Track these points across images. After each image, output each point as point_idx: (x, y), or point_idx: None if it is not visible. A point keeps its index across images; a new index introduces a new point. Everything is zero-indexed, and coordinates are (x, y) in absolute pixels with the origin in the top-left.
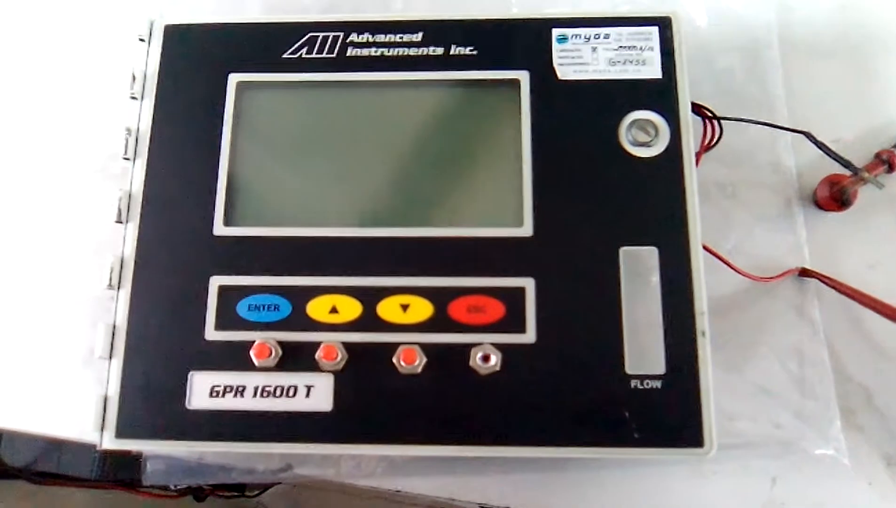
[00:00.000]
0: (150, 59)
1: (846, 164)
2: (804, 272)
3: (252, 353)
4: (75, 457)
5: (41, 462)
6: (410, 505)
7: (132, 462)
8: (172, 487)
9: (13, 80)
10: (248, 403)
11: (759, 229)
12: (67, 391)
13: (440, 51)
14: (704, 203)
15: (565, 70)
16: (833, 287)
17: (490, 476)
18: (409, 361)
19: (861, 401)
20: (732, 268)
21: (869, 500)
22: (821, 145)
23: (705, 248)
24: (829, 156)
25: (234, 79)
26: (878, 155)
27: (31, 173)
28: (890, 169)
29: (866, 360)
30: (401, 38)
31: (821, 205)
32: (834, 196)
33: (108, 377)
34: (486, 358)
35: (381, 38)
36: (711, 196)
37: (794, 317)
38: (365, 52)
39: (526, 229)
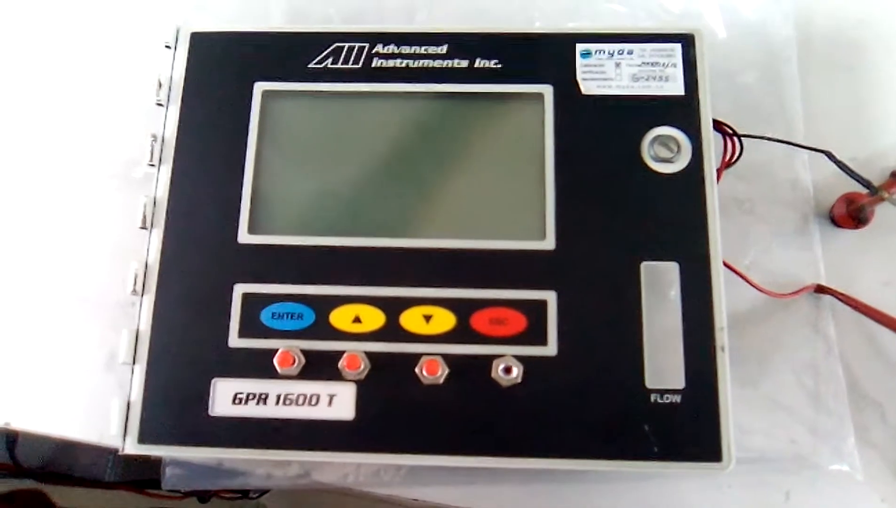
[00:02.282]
0: (175, 66)
1: (866, 184)
2: (820, 289)
3: (275, 361)
4: (90, 459)
5: (55, 462)
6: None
7: (145, 463)
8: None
9: (38, 86)
10: (270, 411)
11: (776, 244)
12: (89, 395)
13: (465, 63)
14: (723, 219)
15: (589, 85)
16: (848, 304)
17: (508, 486)
18: (432, 372)
19: (875, 418)
20: (750, 284)
21: None
22: (840, 165)
23: (725, 264)
24: (849, 175)
25: (259, 88)
26: (893, 174)
27: (57, 178)
28: None
29: (881, 377)
30: (426, 49)
31: (837, 222)
32: (851, 214)
33: (132, 383)
34: (507, 370)
35: (406, 49)
36: (729, 212)
37: (810, 333)
38: (390, 63)
39: (548, 243)
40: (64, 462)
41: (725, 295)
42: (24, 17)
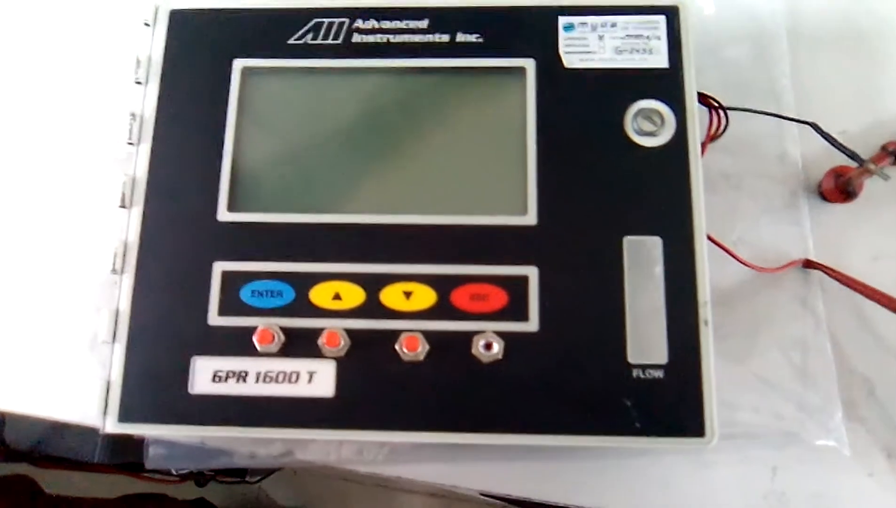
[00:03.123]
0: (154, 44)
1: (852, 155)
2: (808, 264)
3: (255, 339)
4: (78, 440)
5: (44, 445)
6: (409, 492)
7: (135, 445)
8: (174, 472)
9: (18, 64)
10: (250, 388)
11: (764, 220)
12: (73, 375)
13: (446, 38)
14: (710, 194)
15: (571, 58)
16: (837, 279)
17: (491, 465)
18: (412, 348)
19: (863, 393)
20: (737, 258)
21: (869, 491)
22: (827, 136)
23: (710, 238)
24: (835, 147)
25: (238, 64)
26: (884, 147)
27: (36, 159)
28: None
29: (869, 352)
30: (406, 24)
31: (826, 197)
32: (839, 187)
33: (111, 362)
34: (488, 346)
35: (386, 24)
36: (717, 187)
37: (798, 308)
38: (370, 38)
39: (530, 218)
40: (52, 444)
41: (712, 271)
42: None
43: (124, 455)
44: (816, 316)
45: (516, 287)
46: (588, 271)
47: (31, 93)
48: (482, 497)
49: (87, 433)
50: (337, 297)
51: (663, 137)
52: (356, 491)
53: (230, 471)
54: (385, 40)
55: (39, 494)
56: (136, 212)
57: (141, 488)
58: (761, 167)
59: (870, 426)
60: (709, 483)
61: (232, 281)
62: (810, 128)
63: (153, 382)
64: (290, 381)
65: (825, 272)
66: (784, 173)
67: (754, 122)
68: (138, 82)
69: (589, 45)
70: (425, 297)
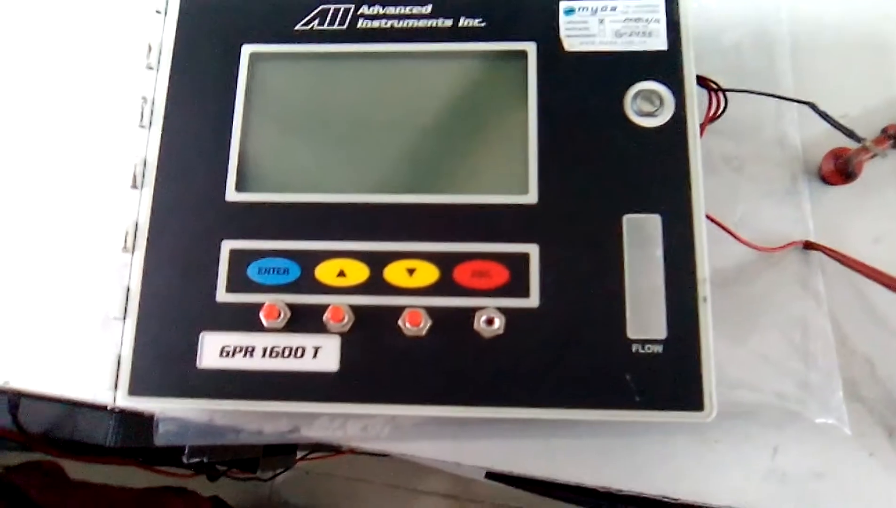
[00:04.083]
0: (165, 30)
1: (850, 133)
2: (809, 245)
3: (261, 314)
4: (91, 424)
5: (58, 428)
6: (421, 493)
7: (146, 430)
8: (186, 461)
9: (31, 51)
10: (256, 363)
11: (764, 202)
12: (86, 354)
13: (448, 22)
14: (711, 176)
15: (572, 42)
16: (837, 260)
17: (495, 441)
18: (415, 323)
19: (864, 373)
20: (737, 238)
21: (870, 470)
22: (825, 116)
23: (710, 218)
24: (834, 126)
25: (247, 50)
26: (884, 130)
27: (51, 141)
28: None
29: (870, 332)
30: (410, 10)
31: (826, 178)
32: (839, 169)
33: (122, 337)
34: (489, 321)
35: (390, 10)
36: (718, 169)
37: (799, 289)
38: (375, 23)
39: (531, 197)
40: (66, 427)
41: (713, 252)
42: None
43: (136, 439)
44: (817, 297)
45: (517, 264)
46: (588, 249)
47: (46, 78)
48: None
49: (99, 417)
50: (342, 274)
51: (662, 118)
52: (367, 492)
53: (241, 466)
54: (389, 25)
55: (66, 479)
56: (147, 193)
57: (157, 481)
58: (762, 150)
59: (870, 406)
60: (710, 461)
61: (239, 259)
62: (810, 111)
63: (163, 357)
64: (295, 356)
65: (826, 253)
66: (784, 156)
67: (754, 105)
68: (150, 67)
69: (589, 29)
70: (428, 274)
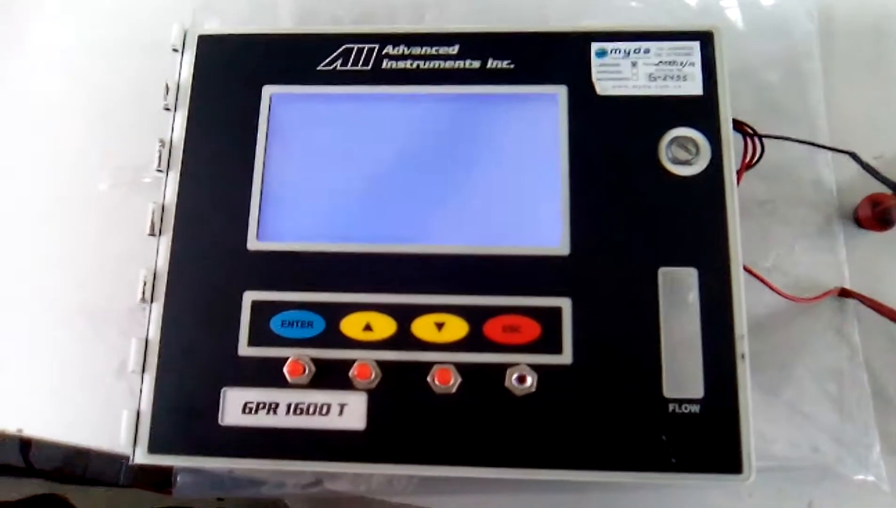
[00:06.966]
0: (183, 70)
1: (892, 185)
2: (844, 292)
3: (285, 370)
4: (103, 464)
5: (70, 467)
6: None
7: (162, 472)
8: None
9: (45, 90)
10: (280, 420)
11: (798, 246)
12: (100, 402)
13: (476, 64)
14: (744, 219)
15: (604, 85)
16: (873, 308)
17: (523, 496)
18: (444, 381)
19: None
20: (772, 288)
21: None
22: (866, 166)
23: (746, 269)
24: (874, 176)
25: (268, 91)
26: None
27: (66, 184)
28: None
29: None
30: (437, 50)
31: (862, 224)
32: (876, 216)
33: (141, 392)
34: (521, 379)
35: (416, 50)
36: (751, 212)
37: (833, 338)
38: (400, 64)
39: (563, 248)
40: (78, 466)
41: (746, 298)
42: (29, 22)
43: (148, 477)
44: (852, 346)
45: (549, 319)
46: (622, 303)
47: (60, 118)
48: None
49: (111, 456)
50: (368, 328)
51: (698, 166)
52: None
53: None
54: (415, 66)
55: None
56: (165, 240)
57: (163, 502)
58: (796, 194)
59: None
60: None
61: (262, 311)
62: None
63: (183, 413)
64: (321, 413)
65: (861, 301)
66: (818, 199)
67: (788, 147)
68: (167, 108)
69: (622, 72)
70: (457, 328)
